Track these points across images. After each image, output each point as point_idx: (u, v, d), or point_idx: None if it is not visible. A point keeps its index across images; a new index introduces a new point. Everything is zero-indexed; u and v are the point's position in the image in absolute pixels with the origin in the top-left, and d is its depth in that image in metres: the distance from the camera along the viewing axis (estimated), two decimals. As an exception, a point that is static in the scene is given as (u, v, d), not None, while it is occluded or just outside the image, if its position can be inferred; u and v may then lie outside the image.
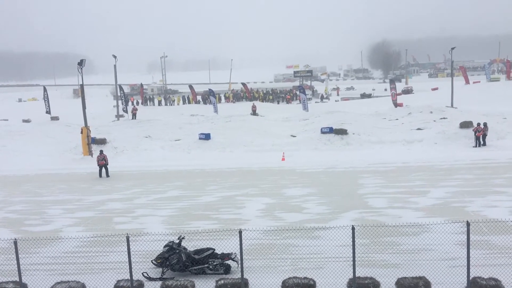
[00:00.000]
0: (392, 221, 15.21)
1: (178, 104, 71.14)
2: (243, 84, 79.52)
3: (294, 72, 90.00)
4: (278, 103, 68.78)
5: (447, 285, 10.74)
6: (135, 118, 47.97)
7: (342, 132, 34.07)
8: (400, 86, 73.82)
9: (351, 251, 10.41)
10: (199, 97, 73.04)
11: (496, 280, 10.40)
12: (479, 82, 76.09)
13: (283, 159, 29.53)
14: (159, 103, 72.80)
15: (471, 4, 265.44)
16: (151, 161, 30.96)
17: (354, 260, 10.09)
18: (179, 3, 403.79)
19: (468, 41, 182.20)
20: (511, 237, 13.26)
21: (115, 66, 48.18)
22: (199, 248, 12.90)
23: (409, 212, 17.19)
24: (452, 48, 49.10)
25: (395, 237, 13.93)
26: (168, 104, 72.45)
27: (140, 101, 72.41)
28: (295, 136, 35.56)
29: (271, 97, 73.89)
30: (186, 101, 71.76)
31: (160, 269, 12.44)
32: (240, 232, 10.69)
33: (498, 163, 25.33)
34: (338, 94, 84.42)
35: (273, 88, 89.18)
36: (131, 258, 11.08)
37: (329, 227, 13.39)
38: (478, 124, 30.79)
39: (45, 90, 53.04)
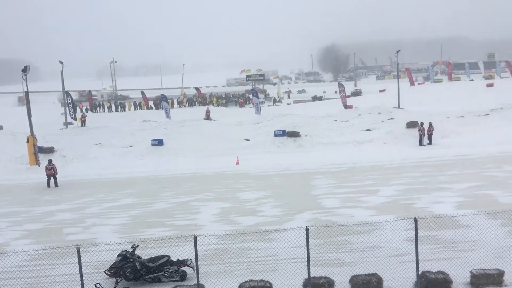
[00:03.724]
0: (345, 221, 15.57)
1: (129, 110, 69.75)
2: (197, 88, 79.02)
3: (247, 76, 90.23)
4: (226, 106, 68.80)
5: (398, 280, 11.10)
6: (84, 126, 46.57)
7: (295, 134, 34.55)
8: (349, 89, 75.65)
9: (306, 251, 10.58)
10: (151, 103, 71.93)
11: (444, 273, 10.84)
12: (424, 83, 79.23)
13: (237, 163, 29.57)
14: (109, 109, 71.09)
15: (414, 9, 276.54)
16: (102, 169, 30.13)
17: (308, 261, 10.26)
18: (128, 7, 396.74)
19: (412, 44, 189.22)
20: (456, 231, 13.91)
21: (62, 72, 46.60)
22: (154, 256, 12.70)
23: (361, 211, 17.66)
24: (398, 51, 50.94)
25: (348, 236, 14.26)
26: (119, 110, 70.86)
27: (89, 107, 70.43)
28: (248, 140, 35.69)
29: (223, 101, 73.84)
30: (138, 107, 70.48)
31: (114, 280, 12.14)
32: (195, 238, 10.62)
33: (443, 161, 26.48)
34: (289, 97, 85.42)
35: (226, 92, 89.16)
36: (83, 270, 10.76)
37: (284, 229, 13.56)
38: (422, 124, 32.10)
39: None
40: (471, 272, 10.59)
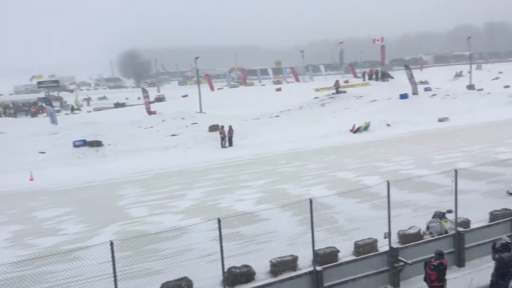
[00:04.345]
0: (154, 228, 15.43)
1: None
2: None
3: (38, 82, 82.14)
4: (15, 117, 61.87)
5: (207, 280, 11.45)
6: None
7: (97, 144, 32.84)
8: (152, 94, 75.43)
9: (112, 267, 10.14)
10: None
11: (247, 266, 11.59)
12: (223, 88, 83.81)
13: (31, 179, 26.63)
14: None
15: (210, 17, 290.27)
16: None
17: (115, 276, 9.86)
18: None
19: (210, 51, 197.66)
20: (257, 225, 15.09)
21: None
22: None
23: (170, 216, 17.76)
24: (196, 58, 52.87)
25: (157, 244, 14.15)
26: None
27: None
28: (44, 153, 32.57)
29: (12, 111, 66.02)
30: None
31: None
32: (-20, 271, 9.22)
33: (242, 161, 28.43)
34: (89, 105, 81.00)
35: (14, 100, 79.88)
36: None
37: (88, 246, 12.73)
38: (222, 127, 34.00)
39: None
40: (270, 261, 11.56)
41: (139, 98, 76.03)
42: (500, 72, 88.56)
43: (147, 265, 13.02)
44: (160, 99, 77.23)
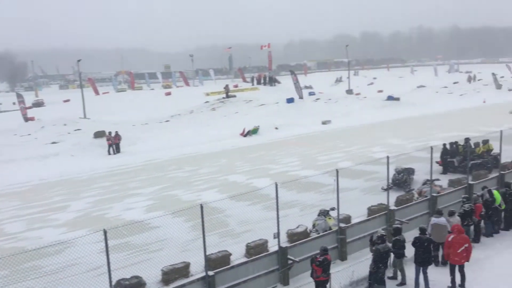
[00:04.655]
0: (32, 244, 14.25)
1: None
2: None
3: None
4: None
5: (93, 296, 10.86)
6: None
7: (-37, 154, 29.49)
8: (30, 99, 69.73)
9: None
10: None
11: (138, 277, 11.17)
12: (108, 92, 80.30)
13: None
14: None
15: (90, 19, 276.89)
16: None
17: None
18: None
19: (93, 54, 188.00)
20: (148, 234, 14.66)
21: None
22: None
23: (50, 230, 16.58)
24: (79, 60, 50.03)
25: (37, 261, 13.09)
26: None
27: None
28: None
29: None
30: None
31: None
32: None
33: (132, 168, 27.45)
34: (-45, 111, 72.52)
35: None
36: None
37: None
38: (110, 133, 32.52)
39: None
40: (162, 270, 11.28)
41: (14, 104, 69.73)
42: (375, 78, 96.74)
43: (26, 284, 11.95)
44: (38, 104, 71.74)
